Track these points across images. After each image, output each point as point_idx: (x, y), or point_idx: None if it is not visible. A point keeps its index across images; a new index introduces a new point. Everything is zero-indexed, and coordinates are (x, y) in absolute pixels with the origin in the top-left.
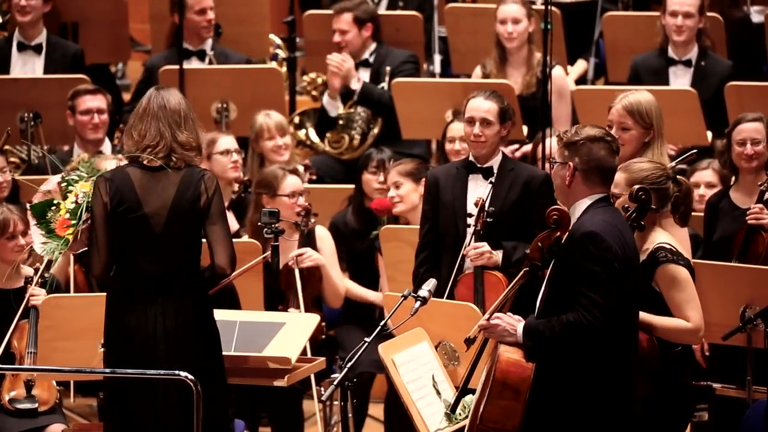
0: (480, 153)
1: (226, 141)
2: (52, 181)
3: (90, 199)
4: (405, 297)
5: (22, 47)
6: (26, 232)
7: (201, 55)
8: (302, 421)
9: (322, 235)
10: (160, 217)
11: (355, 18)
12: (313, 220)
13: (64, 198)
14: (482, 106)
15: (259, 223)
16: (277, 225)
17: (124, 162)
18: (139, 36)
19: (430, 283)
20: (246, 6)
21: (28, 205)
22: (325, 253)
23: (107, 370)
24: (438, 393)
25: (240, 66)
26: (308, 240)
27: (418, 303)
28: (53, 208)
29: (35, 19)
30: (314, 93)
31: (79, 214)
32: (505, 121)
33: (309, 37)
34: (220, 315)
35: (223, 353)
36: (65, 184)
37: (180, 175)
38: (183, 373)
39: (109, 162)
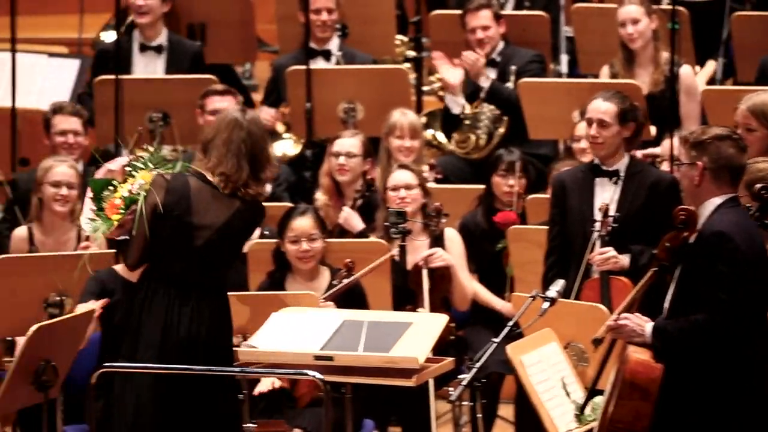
0: (599, 154)
1: (339, 143)
2: (118, 162)
3: (144, 193)
4: (533, 298)
5: (143, 48)
6: None
7: (326, 55)
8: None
9: (451, 236)
10: (205, 232)
11: (494, 14)
12: (444, 221)
13: (124, 181)
14: (599, 107)
15: (385, 224)
16: (404, 225)
17: None
18: (266, 36)
19: (558, 284)
20: (372, 6)
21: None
22: (454, 254)
23: (237, 369)
24: (567, 394)
25: (366, 66)
26: (437, 241)
27: (547, 304)
28: (110, 188)
29: (154, 19)
30: (441, 93)
31: (128, 203)
32: (626, 122)
33: (435, 37)
34: (348, 315)
35: (351, 353)
36: (129, 168)
37: (237, 203)
38: (312, 373)
39: None
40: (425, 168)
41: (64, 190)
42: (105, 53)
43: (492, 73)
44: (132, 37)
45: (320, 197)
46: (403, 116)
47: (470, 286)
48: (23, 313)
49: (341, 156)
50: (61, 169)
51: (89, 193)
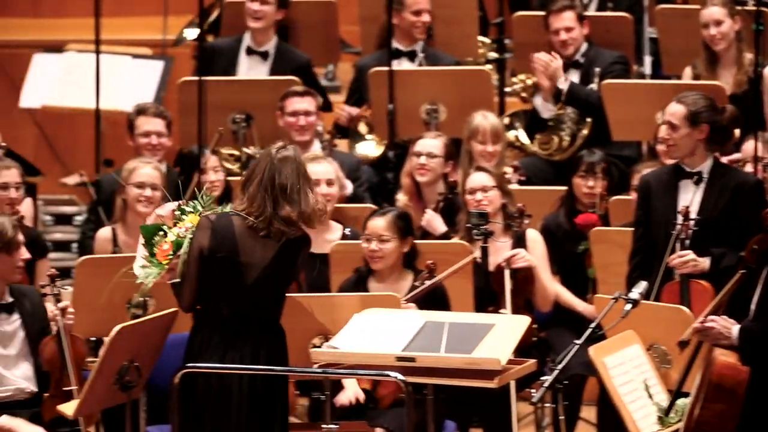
0: (672, 156)
1: (420, 143)
2: (167, 207)
3: (190, 236)
4: (615, 299)
5: (250, 52)
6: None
7: (411, 56)
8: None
9: (534, 237)
10: (254, 269)
11: (577, 15)
12: (527, 221)
13: (174, 225)
14: (669, 109)
15: (467, 225)
16: (486, 227)
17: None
18: (349, 38)
19: (641, 286)
20: (456, 7)
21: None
22: (536, 255)
23: (319, 370)
24: (650, 396)
25: (448, 67)
26: (519, 242)
27: (629, 305)
28: (161, 233)
29: (267, 25)
30: (523, 95)
31: (176, 247)
32: (697, 125)
33: (518, 39)
34: (430, 316)
35: (433, 355)
36: (179, 212)
37: (278, 245)
38: (393, 374)
39: (316, 164)
40: (509, 170)
41: (148, 192)
42: (207, 52)
43: (575, 75)
44: (242, 38)
45: (400, 198)
46: (485, 120)
47: (552, 287)
48: (107, 314)
49: (422, 156)
50: (146, 170)
51: (141, 240)
